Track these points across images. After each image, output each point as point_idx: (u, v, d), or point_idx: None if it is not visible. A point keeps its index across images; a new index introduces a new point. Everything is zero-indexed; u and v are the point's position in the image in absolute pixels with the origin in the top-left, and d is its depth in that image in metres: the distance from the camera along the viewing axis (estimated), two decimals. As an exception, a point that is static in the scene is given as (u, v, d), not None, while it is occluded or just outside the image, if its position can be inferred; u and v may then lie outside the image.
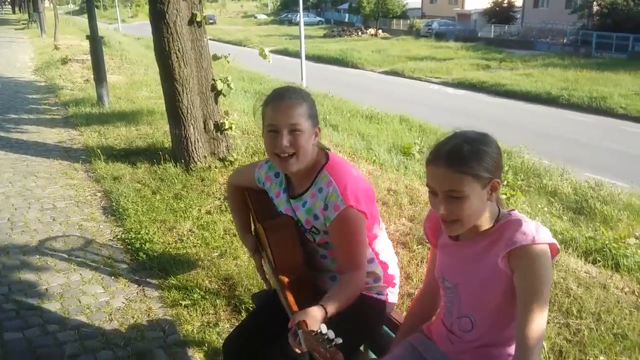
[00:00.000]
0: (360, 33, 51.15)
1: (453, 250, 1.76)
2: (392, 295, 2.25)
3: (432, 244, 1.89)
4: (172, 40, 5.48)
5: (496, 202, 1.68)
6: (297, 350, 1.65)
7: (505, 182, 9.63)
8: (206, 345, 3.11)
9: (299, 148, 1.95)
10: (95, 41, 9.74)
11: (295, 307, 1.85)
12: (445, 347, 1.80)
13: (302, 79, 22.33)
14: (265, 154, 2.12)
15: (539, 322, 1.51)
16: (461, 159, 1.55)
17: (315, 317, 1.71)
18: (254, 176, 2.31)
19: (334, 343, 1.47)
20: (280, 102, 1.96)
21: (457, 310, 1.75)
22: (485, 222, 1.65)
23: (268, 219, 2.18)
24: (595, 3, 35.07)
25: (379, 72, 30.33)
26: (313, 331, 1.56)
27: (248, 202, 2.39)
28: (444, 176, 1.56)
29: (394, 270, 2.26)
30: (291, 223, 2.12)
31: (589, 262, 4.27)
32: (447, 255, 1.79)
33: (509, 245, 1.55)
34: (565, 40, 36.95)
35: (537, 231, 1.55)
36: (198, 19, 5.69)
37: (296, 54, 25.67)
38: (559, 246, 1.59)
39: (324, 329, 1.52)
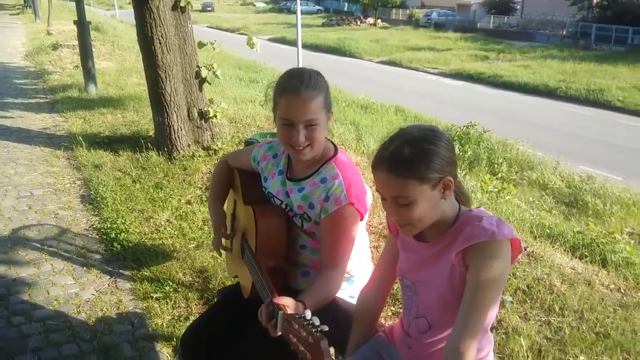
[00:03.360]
0: (359, 22, 50.79)
1: (413, 249, 1.67)
2: None
3: (394, 234, 1.79)
4: (154, 26, 5.34)
5: (458, 199, 1.59)
6: (271, 333, 1.56)
7: (499, 175, 9.56)
8: (175, 339, 3.01)
9: (314, 140, 1.89)
10: (83, 26, 9.57)
11: (275, 291, 1.75)
12: (404, 352, 1.71)
13: (298, 68, 22.13)
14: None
15: (478, 323, 1.43)
16: (403, 164, 1.45)
17: (296, 309, 1.63)
18: (251, 155, 2.22)
19: (320, 329, 1.35)
20: (297, 96, 1.84)
21: (415, 309, 1.66)
22: (445, 221, 1.56)
23: (257, 204, 2.10)
24: (595, -5, 34.88)
25: (376, 62, 30.12)
26: (297, 314, 1.46)
27: (237, 182, 2.30)
28: (388, 182, 1.48)
29: (368, 273, 2.18)
30: (282, 213, 2.05)
31: (575, 258, 4.17)
32: (407, 253, 1.70)
33: (467, 241, 1.46)
34: (564, 32, 36.74)
35: (497, 227, 1.45)
36: (182, 4, 5.55)
37: (294, 43, 25.40)
38: (523, 244, 1.49)
39: (308, 314, 1.43)
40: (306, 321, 1.40)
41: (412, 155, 1.45)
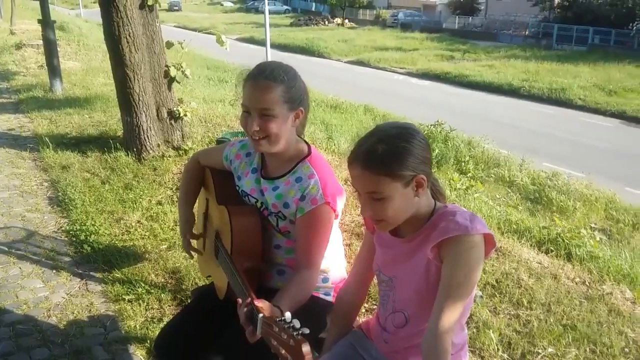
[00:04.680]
0: (326, 22, 50.88)
1: (389, 244, 1.69)
2: None
3: (370, 230, 1.81)
4: (122, 25, 5.26)
5: (434, 196, 1.61)
6: (249, 337, 1.55)
7: (467, 173, 9.69)
8: (149, 341, 2.97)
9: (269, 133, 1.87)
10: (47, 25, 9.37)
11: (253, 293, 1.74)
12: (381, 346, 1.72)
13: (266, 68, 22.06)
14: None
15: (453, 316, 1.45)
16: (376, 160, 1.48)
17: (272, 312, 1.61)
18: (223, 154, 2.20)
19: (300, 332, 1.35)
20: (255, 82, 1.86)
21: (392, 305, 1.68)
22: (419, 217, 1.58)
23: (230, 203, 2.08)
24: (556, -4, 35.63)
25: (344, 62, 30.21)
26: (277, 317, 1.45)
27: (209, 181, 2.28)
28: (362, 178, 1.50)
29: (342, 270, 2.20)
30: (257, 212, 2.04)
31: (542, 252, 4.26)
32: (383, 248, 1.72)
33: (441, 235, 1.49)
34: (527, 32, 37.45)
35: (471, 221, 1.48)
36: (150, 3, 5.48)
37: (262, 42, 25.30)
38: (495, 240, 1.52)
39: (288, 317, 1.42)
40: (287, 324, 1.40)
41: (386, 153, 1.47)
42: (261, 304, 1.59)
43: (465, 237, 1.47)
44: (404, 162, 1.48)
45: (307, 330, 1.36)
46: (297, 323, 1.39)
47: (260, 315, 1.50)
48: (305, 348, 1.31)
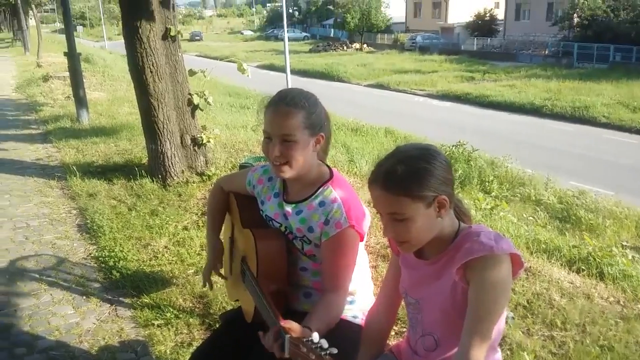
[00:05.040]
0: (345, 47, 51.34)
1: (414, 266, 1.67)
2: None
3: (395, 252, 1.80)
4: (145, 55, 5.38)
5: (459, 217, 1.60)
6: (277, 355, 1.54)
7: (491, 193, 9.60)
8: (179, 366, 2.98)
9: (290, 158, 1.89)
10: (73, 58, 9.62)
11: (280, 315, 1.74)
12: None
13: (287, 94, 22.27)
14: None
15: (483, 341, 1.42)
16: (395, 181, 1.47)
17: (302, 333, 1.61)
18: (246, 179, 2.23)
19: (328, 352, 1.34)
20: (276, 108, 1.90)
21: (421, 327, 1.65)
22: (443, 238, 1.57)
23: (255, 226, 2.09)
24: (575, 15, 35.45)
25: (364, 86, 30.38)
26: (305, 337, 1.45)
27: (234, 206, 2.29)
28: (383, 199, 1.50)
29: (369, 293, 2.19)
30: (282, 235, 2.05)
31: (573, 272, 4.18)
32: (409, 270, 1.70)
33: (465, 256, 1.46)
34: (547, 52, 37.29)
35: (496, 241, 1.45)
36: (172, 34, 5.60)
37: (282, 69, 25.62)
38: (523, 259, 1.49)
39: (316, 337, 1.42)
40: (314, 344, 1.39)
41: (405, 174, 1.47)
42: (289, 324, 1.59)
43: (491, 258, 1.43)
44: (424, 183, 1.47)
45: (335, 350, 1.36)
46: (324, 343, 1.39)
47: (287, 335, 1.50)
48: None
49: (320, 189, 1.98)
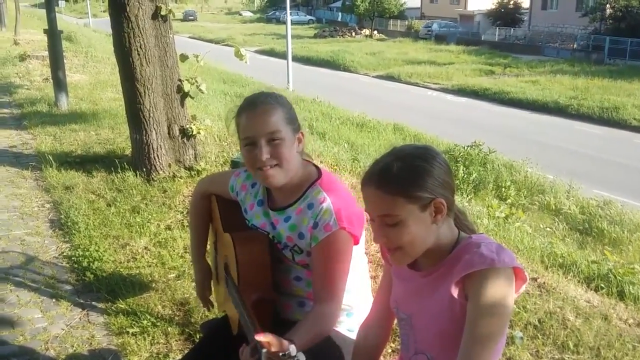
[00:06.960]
0: (354, 34, 51.40)
1: (407, 278, 1.67)
2: None
3: (388, 262, 1.81)
4: (133, 36, 5.39)
5: (457, 225, 1.61)
6: None
7: (508, 199, 9.62)
8: (153, 379, 3.00)
9: (281, 159, 1.89)
10: (54, 36, 9.63)
11: (258, 327, 1.75)
12: None
13: (288, 82, 22.36)
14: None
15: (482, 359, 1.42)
16: (391, 179, 1.48)
17: (280, 346, 1.60)
18: (229, 184, 2.23)
19: None
20: (254, 109, 1.91)
21: (414, 345, 1.66)
22: (440, 248, 1.57)
23: (237, 230, 2.09)
24: (608, 6, 35.42)
25: (372, 76, 30.44)
26: (281, 352, 1.47)
27: (215, 209, 2.30)
28: (375, 199, 1.51)
29: (369, 304, 2.19)
30: (265, 239, 2.04)
31: (591, 290, 4.19)
32: (401, 282, 1.71)
33: (464, 269, 1.46)
34: (575, 46, 37.28)
35: (497, 253, 1.45)
36: (163, 13, 5.60)
37: (283, 55, 25.68)
38: (526, 274, 1.50)
39: (293, 350, 1.44)
40: (290, 358, 1.42)
41: (402, 171, 1.48)
42: (266, 338, 1.60)
43: (492, 271, 1.43)
44: (420, 182, 1.48)
45: None
46: (302, 357, 1.41)
47: (264, 350, 1.51)
48: None
49: (309, 190, 1.98)
